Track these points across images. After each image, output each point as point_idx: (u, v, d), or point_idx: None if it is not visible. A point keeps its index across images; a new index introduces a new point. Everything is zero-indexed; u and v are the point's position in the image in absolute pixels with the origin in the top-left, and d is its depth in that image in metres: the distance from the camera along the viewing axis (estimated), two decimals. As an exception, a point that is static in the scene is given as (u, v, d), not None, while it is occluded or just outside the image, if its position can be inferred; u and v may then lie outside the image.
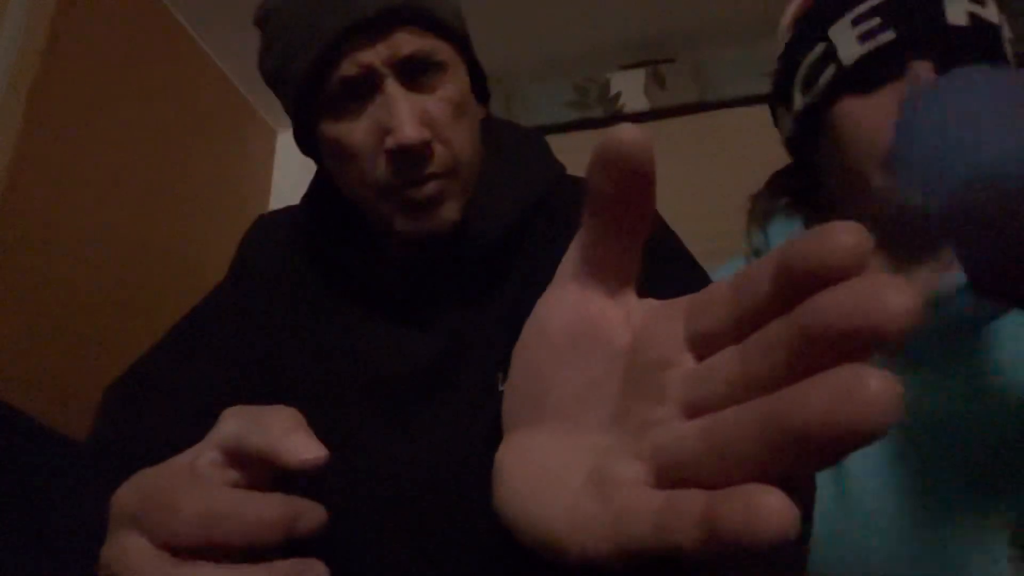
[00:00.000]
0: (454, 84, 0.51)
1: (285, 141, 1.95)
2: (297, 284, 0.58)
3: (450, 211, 0.50)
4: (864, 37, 0.54)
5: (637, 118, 1.74)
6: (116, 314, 1.25)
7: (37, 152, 1.11)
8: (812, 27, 0.59)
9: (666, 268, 0.53)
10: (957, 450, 0.51)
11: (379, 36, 0.47)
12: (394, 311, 0.55)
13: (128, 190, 1.33)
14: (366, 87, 0.48)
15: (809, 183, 0.66)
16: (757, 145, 1.54)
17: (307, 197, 0.60)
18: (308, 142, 0.55)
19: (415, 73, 0.49)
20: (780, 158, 0.70)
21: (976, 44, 0.52)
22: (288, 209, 0.65)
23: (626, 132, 0.19)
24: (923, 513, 0.51)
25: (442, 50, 0.50)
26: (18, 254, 1.07)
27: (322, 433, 0.52)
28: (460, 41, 0.53)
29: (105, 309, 1.23)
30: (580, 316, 0.22)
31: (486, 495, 0.22)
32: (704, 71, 1.71)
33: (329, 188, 0.58)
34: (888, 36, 0.53)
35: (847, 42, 0.55)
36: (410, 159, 0.48)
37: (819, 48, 0.58)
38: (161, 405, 0.53)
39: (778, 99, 0.66)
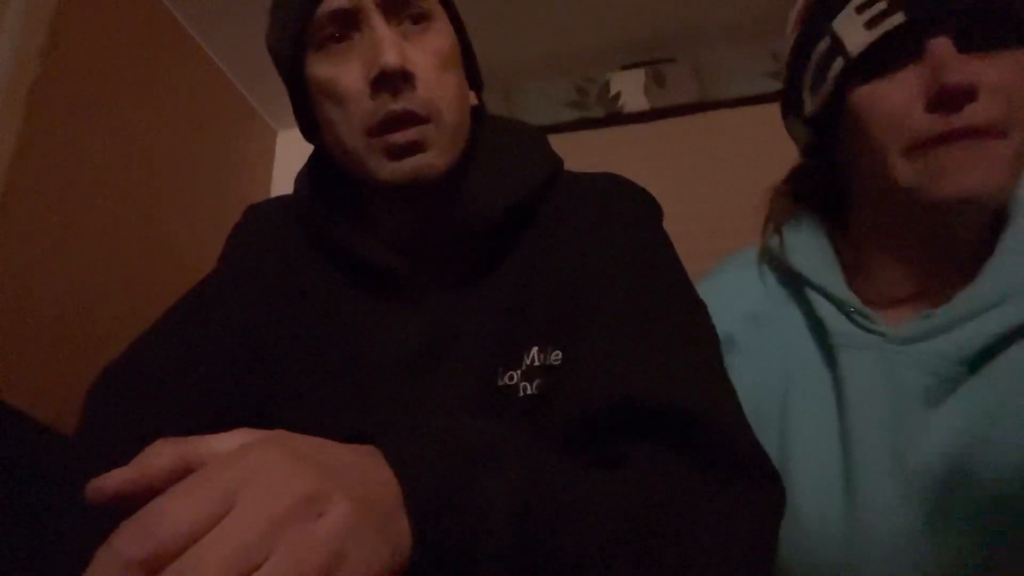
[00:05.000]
0: (440, 38, 0.52)
1: (285, 141, 1.95)
2: (286, 268, 0.58)
3: (434, 157, 0.50)
4: (871, 23, 0.51)
5: (637, 118, 1.75)
6: (116, 314, 1.25)
7: (37, 152, 1.11)
8: (815, 22, 0.56)
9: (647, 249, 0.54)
10: (985, 477, 0.47)
11: None
12: (386, 290, 0.55)
13: (128, 190, 1.33)
14: (351, 21, 0.50)
15: (829, 184, 0.63)
16: (757, 145, 1.54)
17: (302, 175, 0.60)
18: (304, 112, 0.56)
19: (400, 14, 0.51)
20: (779, 158, 0.69)
21: (991, 11, 0.48)
22: (279, 198, 0.65)
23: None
24: (937, 547, 0.48)
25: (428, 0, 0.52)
26: (18, 254, 1.07)
27: (310, 417, 0.52)
28: (447, 2, 0.55)
29: (105, 309, 1.23)
30: None
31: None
32: (704, 71, 1.71)
33: (324, 166, 0.59)
34: (897, 19, 0.50)
35: (853, 31, 0.52)
36: (391, 84, 0.48)
37: (824, 44, 0.55)
38: (150, 395, 0.53)
39: (789, 110, 0.63)
